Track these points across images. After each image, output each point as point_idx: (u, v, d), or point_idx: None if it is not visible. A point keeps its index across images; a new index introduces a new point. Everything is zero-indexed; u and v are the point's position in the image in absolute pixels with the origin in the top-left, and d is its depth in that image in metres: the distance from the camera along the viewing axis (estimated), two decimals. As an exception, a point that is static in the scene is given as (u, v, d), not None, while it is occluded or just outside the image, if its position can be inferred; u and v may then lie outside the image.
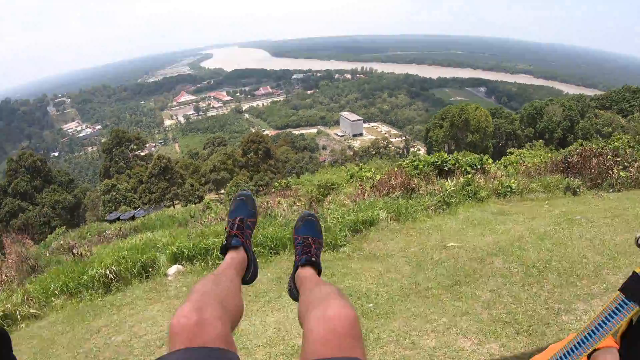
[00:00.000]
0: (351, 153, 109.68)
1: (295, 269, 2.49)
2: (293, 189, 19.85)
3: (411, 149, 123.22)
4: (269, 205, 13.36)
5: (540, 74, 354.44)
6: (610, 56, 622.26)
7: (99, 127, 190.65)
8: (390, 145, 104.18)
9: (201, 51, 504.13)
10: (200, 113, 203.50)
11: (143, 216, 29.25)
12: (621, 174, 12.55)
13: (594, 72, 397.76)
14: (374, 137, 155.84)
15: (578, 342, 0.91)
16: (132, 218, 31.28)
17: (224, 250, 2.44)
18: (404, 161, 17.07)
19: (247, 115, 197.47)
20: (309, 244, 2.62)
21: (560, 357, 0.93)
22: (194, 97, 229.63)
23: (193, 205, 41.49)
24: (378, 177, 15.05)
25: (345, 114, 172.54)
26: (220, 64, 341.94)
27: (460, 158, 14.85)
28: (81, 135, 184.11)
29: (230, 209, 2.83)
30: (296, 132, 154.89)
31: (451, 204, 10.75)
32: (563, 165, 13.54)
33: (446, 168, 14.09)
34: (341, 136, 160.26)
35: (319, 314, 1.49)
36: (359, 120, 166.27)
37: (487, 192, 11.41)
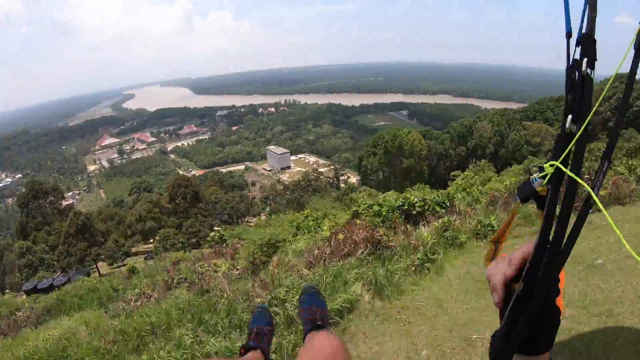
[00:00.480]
0: (282, 187, 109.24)
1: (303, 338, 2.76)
2: (229, 245, 18.10)
3: (342, 177, 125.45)
4: (205, 269, 12.15)
5: (458, 93, 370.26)
6: (521, 70, 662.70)
7: (19, 175, 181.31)
8: (320, 177, 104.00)
9: (123, 91, 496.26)
10: (125, 156, 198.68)
11: (63, 284, 27.56)
12: (601, 192, 12.00)
13: (508, 86, 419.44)
14: (302, 169, 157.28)
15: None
16: (51, 287, 29.41)
17: (246, 349, 2.82)
18: (359, 205, 14.80)
19: (172, 156, 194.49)
20: (313, 312, 2.94)
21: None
22: (117, 140, 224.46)
23: (118, 268, 40.72)
24: (327, 228, 14.19)
25: (271, 147, 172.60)
26: (142, 104, 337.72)
27: (427, 197, 13.43)
28: (0, 185, 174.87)
29: (250, 319, 3.25)
30: (224, 170, 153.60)
31: (435, 260, 8.97)
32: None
33: (414, 212, 12.62)
34: (269, 170, 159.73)
35: (306, 347, 1.74)
36: (286, 153, 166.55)
37: (466, 236, 10.40)
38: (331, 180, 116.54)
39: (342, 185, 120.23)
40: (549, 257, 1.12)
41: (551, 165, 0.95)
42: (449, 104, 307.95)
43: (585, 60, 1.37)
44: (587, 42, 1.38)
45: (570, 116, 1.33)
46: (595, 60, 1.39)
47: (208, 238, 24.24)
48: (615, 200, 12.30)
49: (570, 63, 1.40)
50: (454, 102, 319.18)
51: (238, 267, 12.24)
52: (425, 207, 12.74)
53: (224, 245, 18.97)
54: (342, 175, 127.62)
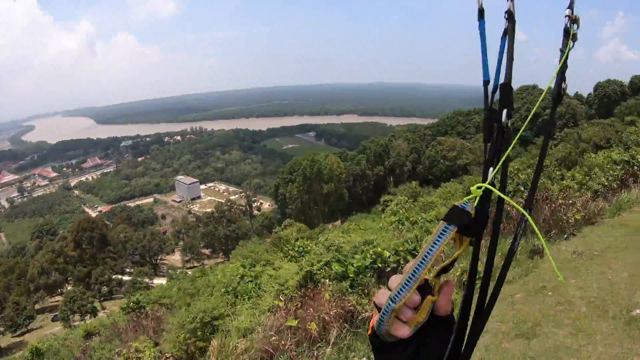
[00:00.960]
0: (194, 219, 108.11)
1: None
2: (149, 316, 15.49)
3: (254, 204, 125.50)
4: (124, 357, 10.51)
5: (363, 112, 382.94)
6: (425, 87, 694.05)
7: None
8: (233, 207, 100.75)
9: (22, 123, 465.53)
10: (26, 194, 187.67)
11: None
12: (576, 216, 12.20)
13: (412, 103, 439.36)
14: (213, 198, 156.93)
15: (413, 271, 1.06)
16: None
17: None
18: (312, 264, 12.70)
19: (77, 192, 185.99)
20: None
21: (401, 287, 1.04)
22: (16, 177, 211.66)
23: (22, 336, 38.54)
24: (273, 295, 12.31)
25: (180, 178, 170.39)
26: (43, 136, 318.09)
27: (399, 248, 11.79)
28: None
29: None
30: (132, 204, 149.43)
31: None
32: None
33: (388, 268, 10.91)
34: (179, 201, 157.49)
35: None
36: (195, 182, 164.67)
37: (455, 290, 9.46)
38: (244, 209, 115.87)
39: (256, 212, 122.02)
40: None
41: (479, 187, 1.26)
42: (354, 123, 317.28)
43: (505, 111, 1.35)
44: (506, 92, 1.35)
45: (491, 169, 1.28)
46: (513, 110, 1.39)
47: (123, 306, 21.18)
48: (587, 221, 12.43)
49: (489, 112, 1.36)
50: (359, 121, 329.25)
51: (167, 355, 10.67)
52: (399, 259, 11.16)
53: (142, 314, 16.35)
54: (255, 202, 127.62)
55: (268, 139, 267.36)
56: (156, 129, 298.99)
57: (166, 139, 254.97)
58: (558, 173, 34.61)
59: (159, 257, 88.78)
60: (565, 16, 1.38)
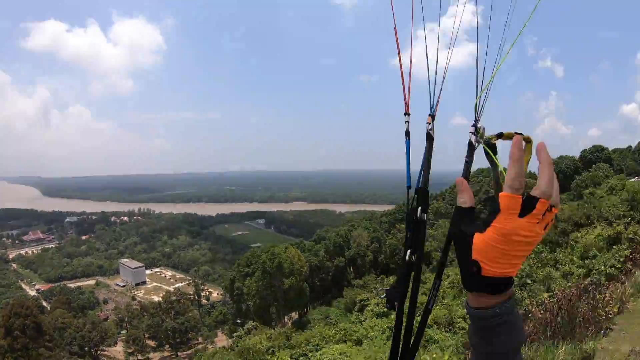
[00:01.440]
0: (138, 308, 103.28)
1: None
2: None
3: (202, 293, 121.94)
4: None
5: (312, 199, 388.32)
6: (371, 173, 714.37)
7: None
8: (182, 299, 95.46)
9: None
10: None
11: None
12: (614, 309, 11.17)
13: (358, 189, 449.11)
14: (158, 284, 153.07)
15: None
16: None
17: None
18: None
19: (14, 266, 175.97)
20: None
21: None
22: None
23: None
24: None
25: (125, 261, 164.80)
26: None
27: None
28: None
29: None
30: (72, 284, 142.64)
31: None
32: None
33: None
34: (123, 286, 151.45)
35: None
36: (141, 267, 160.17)
37: None
38: (192, 297, 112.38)
39: (204, 301, 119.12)
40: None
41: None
42: (304, 210, 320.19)
43: (420, 208, 1.86)
44: (423, 195, 1.88)
45: (409, 250, 1.76)
46: (428, 206, 1.94)
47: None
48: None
49: (409, 209, 1.86)
50: (309, 208, 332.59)
51: None
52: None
53: None
54: (203, 290, 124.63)
55: (217, 224, 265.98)
56: (103, 207, 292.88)
57: (113, 218, 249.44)
58: (549, 257, 35.80)
59: (100, 349, 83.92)
60: (470, 132, 1.65)
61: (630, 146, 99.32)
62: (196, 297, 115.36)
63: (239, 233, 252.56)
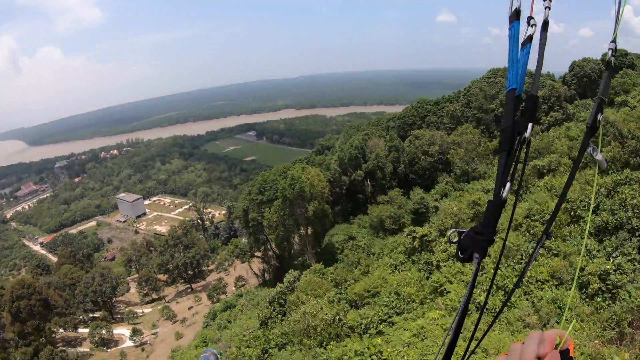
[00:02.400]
0: (144, 244, 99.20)
1: None
2: None
3: (205, 216, 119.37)
4: None
5: (300, 105, 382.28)
6: (356, 75, 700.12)
7: None
8: (189, 231, 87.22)
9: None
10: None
11: None
12: None
13: (346, 92, 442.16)
14: (159, 213, 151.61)
15: None
16: None
17: None
18: None
19: (14, 224, 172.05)
20: None
21: None
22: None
23: None
24: None
25: (122, 195, 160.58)
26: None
27: None
28: None
29: None
30: (74, 230, 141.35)
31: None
32: None
33: None
34: (124, 221, 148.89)
35: None
36: (139, 199, 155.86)
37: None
38: (195, 223, 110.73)
39: (208, 224, 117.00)
40: None
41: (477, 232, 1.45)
42: (294, 118, 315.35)
43: (530, 124, 1.45)
44: (533, 104, 1.49)
45: (508, 184, 1.39)
46: (535, 123, 1.50)
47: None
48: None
49: (512, 122, 1.46)
50: (298, 115, 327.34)
51: None
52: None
53: None
54: (205, 213, 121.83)
55: (208, 142, 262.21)
56: (91, 144, 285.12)
57: (102, 154, 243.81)
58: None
59: (113, 300, 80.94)
60: (609, 49, 1.61)
61: None
62: (200, 222, 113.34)
63: (232, 148, 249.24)
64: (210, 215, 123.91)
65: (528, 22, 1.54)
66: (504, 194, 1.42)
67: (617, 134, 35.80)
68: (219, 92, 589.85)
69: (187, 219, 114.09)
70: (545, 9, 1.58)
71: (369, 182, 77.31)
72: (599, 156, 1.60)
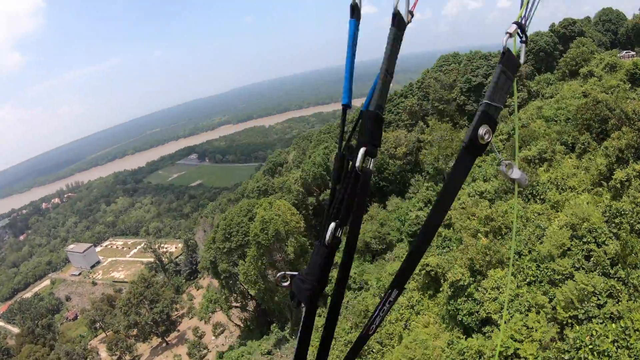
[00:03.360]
0: (105, 301, 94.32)
1: None
2: None
3: (162, 250, 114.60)
4: None
5: (237, 119, 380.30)
6: (284, 80, 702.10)
7: None
8: (151, 284, 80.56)
9: None
10: None
11: None
12: None
13: (279, 99, 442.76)
14: (114, 259, 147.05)
15: None
16: None
17: None
18: None
19: None
20: None
21: None
22: None
23: None
24: None
25: (71, 247, 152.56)
26: None
27: None
28: None
29: None
30: (28, 293, 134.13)
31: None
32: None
33: None
34: (78, 274, 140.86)
35: None
36: (89, 247, 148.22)
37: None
38: (152, 265, 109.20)
39: (166, 261, 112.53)
40: None
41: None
42: (234, 133, 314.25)
43: (362, 149, 1.28)
44: (371, 123, 1.33)
45: (333, 224, 1.31)
46: (378, 147, 1.34)
47: None
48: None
49: (340, 151, 1.37)
50: (237, 130, 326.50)
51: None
52: None
53: None
54: (162, 249, 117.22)
55: (151, 174, 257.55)
56: (30, 196, 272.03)
57: (44, 205, 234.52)
58: None
59: None
60: (507, 32, 1.48)
61: (589, 17, 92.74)
62: (158, 263, 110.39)
63: (176, 176, 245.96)
64: (166, 251, 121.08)
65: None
66: (327, 238, 1.29)
67: (624, 117, 33.92)
68: (153, 119, 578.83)
69: (144, 262, 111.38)
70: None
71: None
72: (515, 173, 1.37)
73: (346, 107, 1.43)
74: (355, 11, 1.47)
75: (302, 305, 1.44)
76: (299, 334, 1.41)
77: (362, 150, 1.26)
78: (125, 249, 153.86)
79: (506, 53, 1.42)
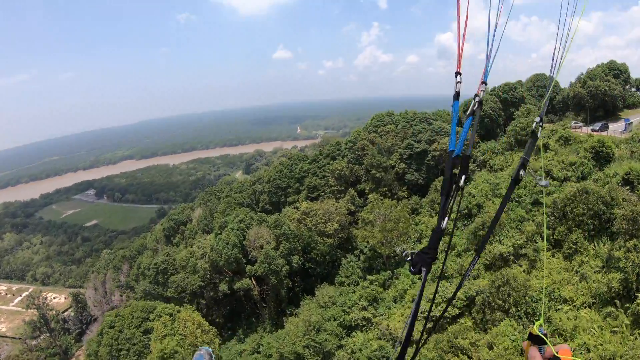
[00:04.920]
0: None
1: None
2: None
3: (46, 300, 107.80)
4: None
5: (141, 155, 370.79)
6: (194, 117, 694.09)
7: None
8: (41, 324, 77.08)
9: None
10: None
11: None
12: None
13: (185, 136, 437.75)
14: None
15: None
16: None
17: None
18: None
19: None
20: None
21: None
22: None
23: None
24: None
25: None
26: None
27: None
28: None
29: None
30: None
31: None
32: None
33: None
34: None
35: None
36: None
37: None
38: (36, 324, 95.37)
39: (52, 317, 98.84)
40: None
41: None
42: (135, 170, 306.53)
43: (463, 177, 2.11)
44: (465, 162, 2.12)
45: (446, 219, 1.97)
46: (467, 175, 2.16)
47: None
48: None
49: (450, 175, 2.08)
50: (140, 167, 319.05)
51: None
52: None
53: None
54: (48, 300, 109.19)
55: (44, 207, 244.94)
56: None
57: None
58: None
59: None
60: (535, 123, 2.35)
61: (521, 80, 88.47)
62: (43, 322, 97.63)
63: (70, 212, 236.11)
64: (53, 301, 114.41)
65: (474, 99, 2.22)
66: (444, 225, 2.02)
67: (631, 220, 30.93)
68: (53, 145, 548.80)
69: (25, 320, 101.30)
70: (481, 92, 2.26)
71: (256, 287, 60.99)
72: (543, 182, 2.17)
73: (453, 154, 2.24)
74: (458, 95, 2.20)
75: (423, 269, 2.10)
76: (418, 293, 1.94)
77: (463, 177, 2.12)
78: (8, 295, 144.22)
79: (534, 132, 2.45)
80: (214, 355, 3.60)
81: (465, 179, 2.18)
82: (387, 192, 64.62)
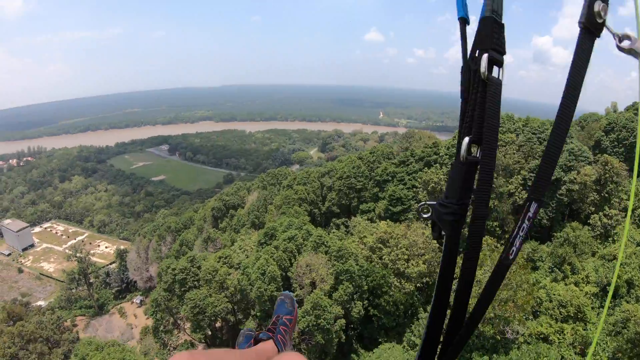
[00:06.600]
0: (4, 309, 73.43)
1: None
2: None
3: (98, 249, 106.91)
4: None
5: (219, 117, 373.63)
6: (281, 88, 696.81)
7: None
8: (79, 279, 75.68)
9: None
10: None
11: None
12: None
13: (269, 106, 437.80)
14: (49, 246, 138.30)
15: None
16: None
17: (256, 340, 2.95)
18: None
19: None
20: (274, 323, 3.20)
21: None
22: None
23: None
24: None
25: (7, 222, 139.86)
26: None
27: None
28: None
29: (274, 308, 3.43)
30: None
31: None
32: None
33: None
34: (8, 255, 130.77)
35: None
36: (25, 227, 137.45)
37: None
38: (75, 277, 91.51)
39: (89, 271, 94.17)
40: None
41: (444, 203, 1.16)
42: (212, 132, 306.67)
43: (485, 56, 1.10)
44: (487, 28, 1.13)
45: (467, 138, 1.10)
46: (504, 53, 1.12)
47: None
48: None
49: (467, 60, 1.15)
50: (216, 129, 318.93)
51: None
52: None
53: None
54: (95, 245, 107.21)
55: (117, 156, 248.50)
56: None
57: (0, 163, 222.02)
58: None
59: None
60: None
61: None
62: (82, 277, 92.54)
63: (141, 164, 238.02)
64: (97, 249, 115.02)
65: None
66: (463, 153, 1.17)
67: None
68: (136, 97, 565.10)
69: (67, 272, 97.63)
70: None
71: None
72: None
73: (463, 20, 1.33)
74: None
75: (442, 234, 1.33)
76: (439, 271, 1.28)
77: (484, 57, 1.17)
78: (64, 237, 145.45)
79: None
80: (294, 299, 3.58)
81: (491, 58, 1.27)
82: (497, 229, 49.00)
